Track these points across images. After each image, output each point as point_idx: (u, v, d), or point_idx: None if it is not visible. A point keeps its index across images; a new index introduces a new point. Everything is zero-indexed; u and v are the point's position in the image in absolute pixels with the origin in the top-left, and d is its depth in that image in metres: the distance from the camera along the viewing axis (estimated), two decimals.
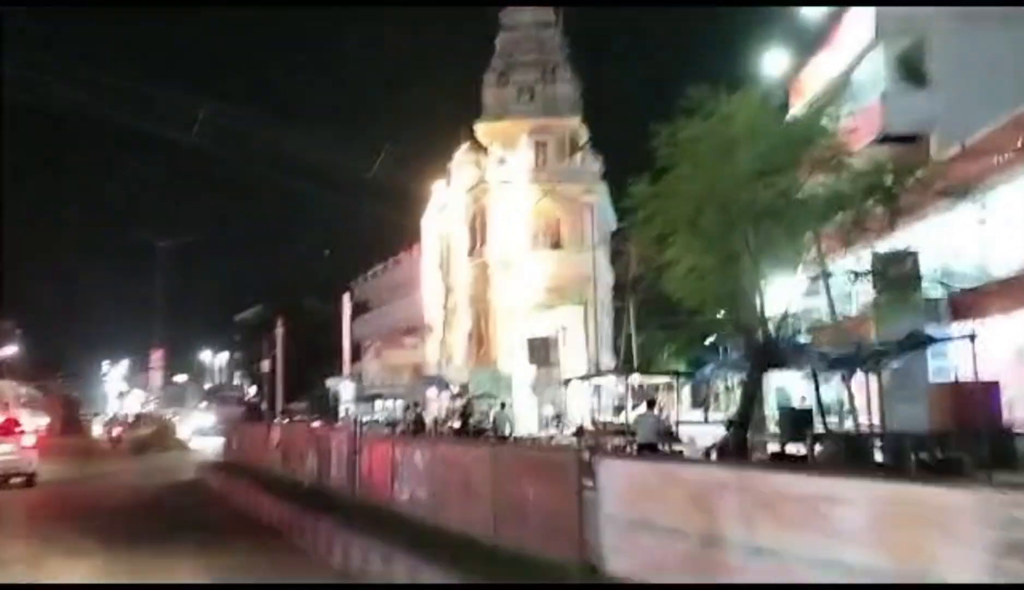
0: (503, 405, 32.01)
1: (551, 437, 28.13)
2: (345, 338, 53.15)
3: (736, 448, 16.28)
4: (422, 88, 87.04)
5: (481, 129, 46.49)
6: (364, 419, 39.86)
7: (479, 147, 46.61)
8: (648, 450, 17.54)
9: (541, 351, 33.20)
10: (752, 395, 16.74)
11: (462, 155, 46.72)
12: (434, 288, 49.55)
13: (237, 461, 24.56)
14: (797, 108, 24.27)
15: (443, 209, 48.86)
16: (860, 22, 25.26)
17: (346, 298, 53.22)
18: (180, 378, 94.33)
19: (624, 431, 20.79)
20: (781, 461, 15.98)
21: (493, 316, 42.81)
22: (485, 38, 46.85)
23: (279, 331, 63.72)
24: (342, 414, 46.86)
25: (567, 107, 45.32)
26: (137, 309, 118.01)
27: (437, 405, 41.61)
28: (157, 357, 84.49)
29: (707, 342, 24.34)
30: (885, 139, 23.01)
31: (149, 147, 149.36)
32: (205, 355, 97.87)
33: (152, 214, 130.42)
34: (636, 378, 25.91)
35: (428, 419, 40.44)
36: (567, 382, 29.50)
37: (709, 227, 15.05)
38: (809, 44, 28.10)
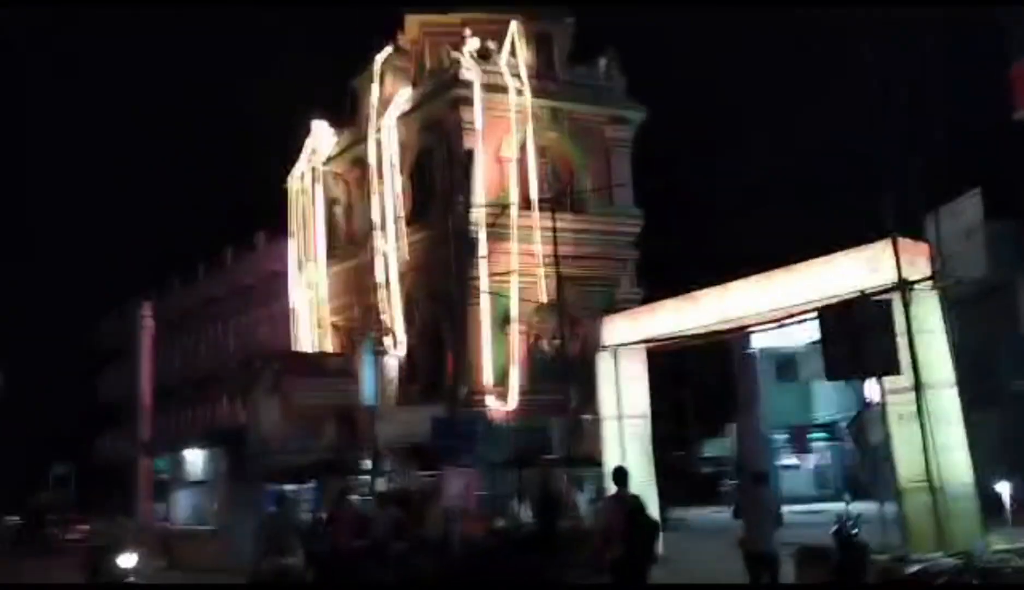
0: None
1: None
2: (143, 378, 31.79)
3: None
4: None
5: (414, 26, 28.47)
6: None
7: (407, 53, 28.61)
8: None
9: None
10: None
11: (386, 62, 28.31)
12: (315, 289, 30.25)
13: None
14: None
15: (341, 155, 29.94)
16: None
17: (145, 312, 31.99)
18: None
19: None
20: None
21: (475, 324, 24.50)
22: None
23: None
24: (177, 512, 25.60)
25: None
26: None
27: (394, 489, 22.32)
28: None
29: None
30: None
31: None
32: None
33: None
34: None
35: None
36: None
37: None
38: None
